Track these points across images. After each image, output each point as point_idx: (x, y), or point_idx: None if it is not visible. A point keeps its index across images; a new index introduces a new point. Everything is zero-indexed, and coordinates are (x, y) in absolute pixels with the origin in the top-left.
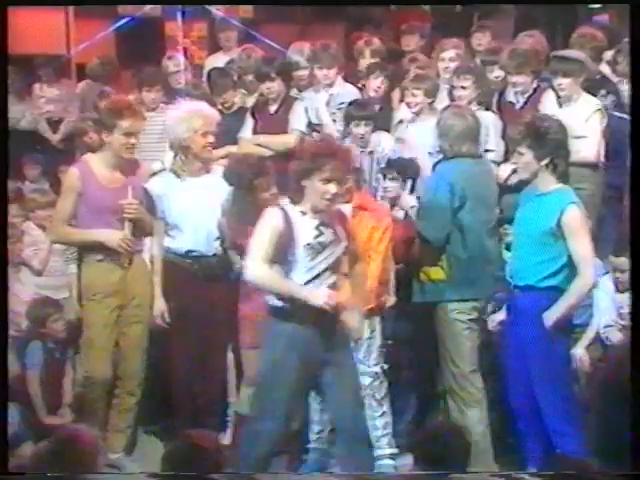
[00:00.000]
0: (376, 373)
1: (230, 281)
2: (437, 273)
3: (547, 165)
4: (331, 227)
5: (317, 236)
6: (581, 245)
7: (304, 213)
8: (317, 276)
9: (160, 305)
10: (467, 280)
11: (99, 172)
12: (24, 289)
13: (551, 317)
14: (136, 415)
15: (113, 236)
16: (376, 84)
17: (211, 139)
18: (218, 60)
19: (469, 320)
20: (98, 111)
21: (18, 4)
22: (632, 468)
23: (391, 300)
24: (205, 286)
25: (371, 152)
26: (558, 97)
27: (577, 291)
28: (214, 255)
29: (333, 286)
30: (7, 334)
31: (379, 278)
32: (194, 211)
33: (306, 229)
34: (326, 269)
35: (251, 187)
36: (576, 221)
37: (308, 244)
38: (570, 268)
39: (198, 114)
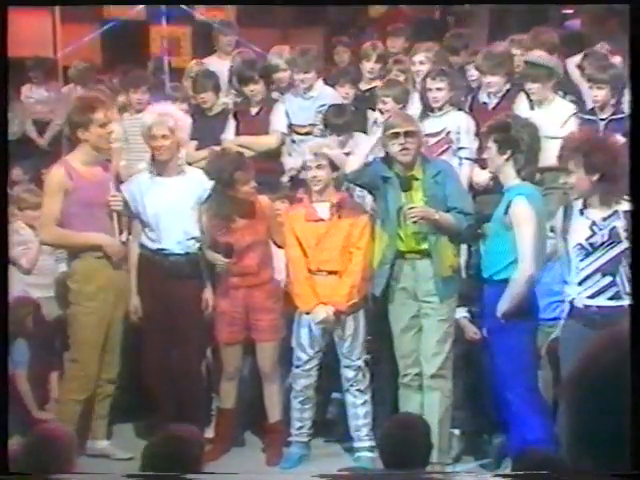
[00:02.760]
0: (359, 367)
1: (203, 279)
2: (454, 267)
3: (507, 160)
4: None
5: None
6: (523, 235)
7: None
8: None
9: (134, 301)
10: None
11: (80, 168)
12: (11, 288)
13: (500, 308)
14: (119, 407)
15: (112, 242)
16: (344, 90)
17: (165, 142)
18: (216, 63)
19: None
20: (70, 112)
21: (18, 4)
22: (632, 468)
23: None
24: (178, 283)
25: (348, 154)
26: (530, 100)
27: (518, 280)
28: (186, 254)
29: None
30: (7, 333)
31: (362, 274)
32: (166, 210)
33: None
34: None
35: (231, 181)
36: (521, 211)
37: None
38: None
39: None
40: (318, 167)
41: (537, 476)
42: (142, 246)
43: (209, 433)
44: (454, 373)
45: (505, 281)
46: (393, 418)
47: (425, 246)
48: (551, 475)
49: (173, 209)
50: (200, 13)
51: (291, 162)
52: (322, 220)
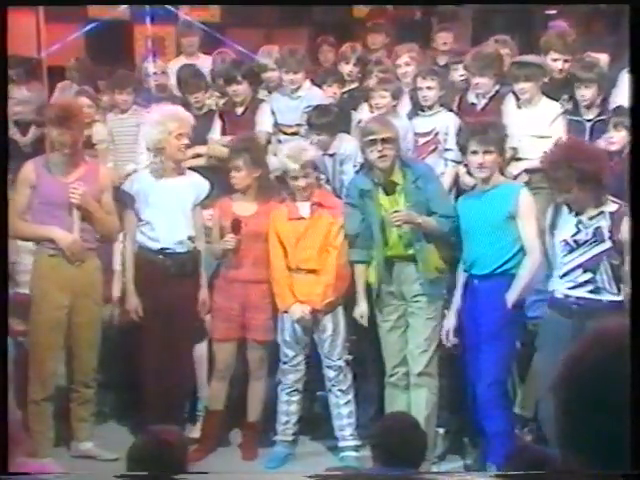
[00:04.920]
0: (340, 367)
1: (202, 278)
2: (440, 269)
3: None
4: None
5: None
6: (531, 226)
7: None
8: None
9: (133, 300)
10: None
11: (55, 167)
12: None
13: (511, 297)
14: (108, 408)
15: (64, 236)
16: (332, 90)
17: (185, 141)
18: (182, 64)
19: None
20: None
21: (17, 4)
22: (632, 468)
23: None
24: (178, 282)
25: (332, 154)
26: (518, 99)
27: (529, 269)
28: (187, 252)
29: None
30: (7, 332)
31: (337, 272)
32: (167, 210)
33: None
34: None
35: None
36: (529, 203)
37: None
38: (523, 252)
39: (173, 117)
40: (305, 176)
41: (533, 476)
42: (140, 246)
43: (195, 433)
44: (439, 372)
45: (506, 273)
46: (390, 417)
47: (411, 252)
48: (547, 475)
49: (175, 209)
50: (184, 13)
51: (276, 162)
52: (303, 218)
